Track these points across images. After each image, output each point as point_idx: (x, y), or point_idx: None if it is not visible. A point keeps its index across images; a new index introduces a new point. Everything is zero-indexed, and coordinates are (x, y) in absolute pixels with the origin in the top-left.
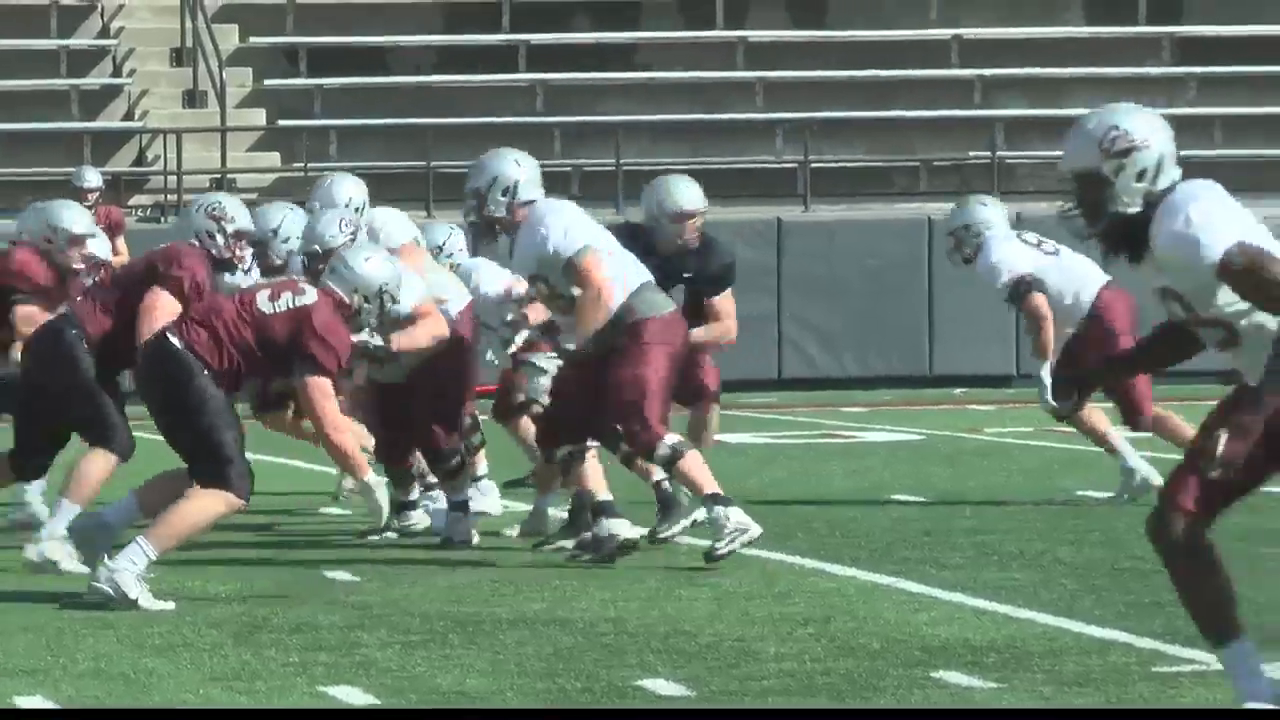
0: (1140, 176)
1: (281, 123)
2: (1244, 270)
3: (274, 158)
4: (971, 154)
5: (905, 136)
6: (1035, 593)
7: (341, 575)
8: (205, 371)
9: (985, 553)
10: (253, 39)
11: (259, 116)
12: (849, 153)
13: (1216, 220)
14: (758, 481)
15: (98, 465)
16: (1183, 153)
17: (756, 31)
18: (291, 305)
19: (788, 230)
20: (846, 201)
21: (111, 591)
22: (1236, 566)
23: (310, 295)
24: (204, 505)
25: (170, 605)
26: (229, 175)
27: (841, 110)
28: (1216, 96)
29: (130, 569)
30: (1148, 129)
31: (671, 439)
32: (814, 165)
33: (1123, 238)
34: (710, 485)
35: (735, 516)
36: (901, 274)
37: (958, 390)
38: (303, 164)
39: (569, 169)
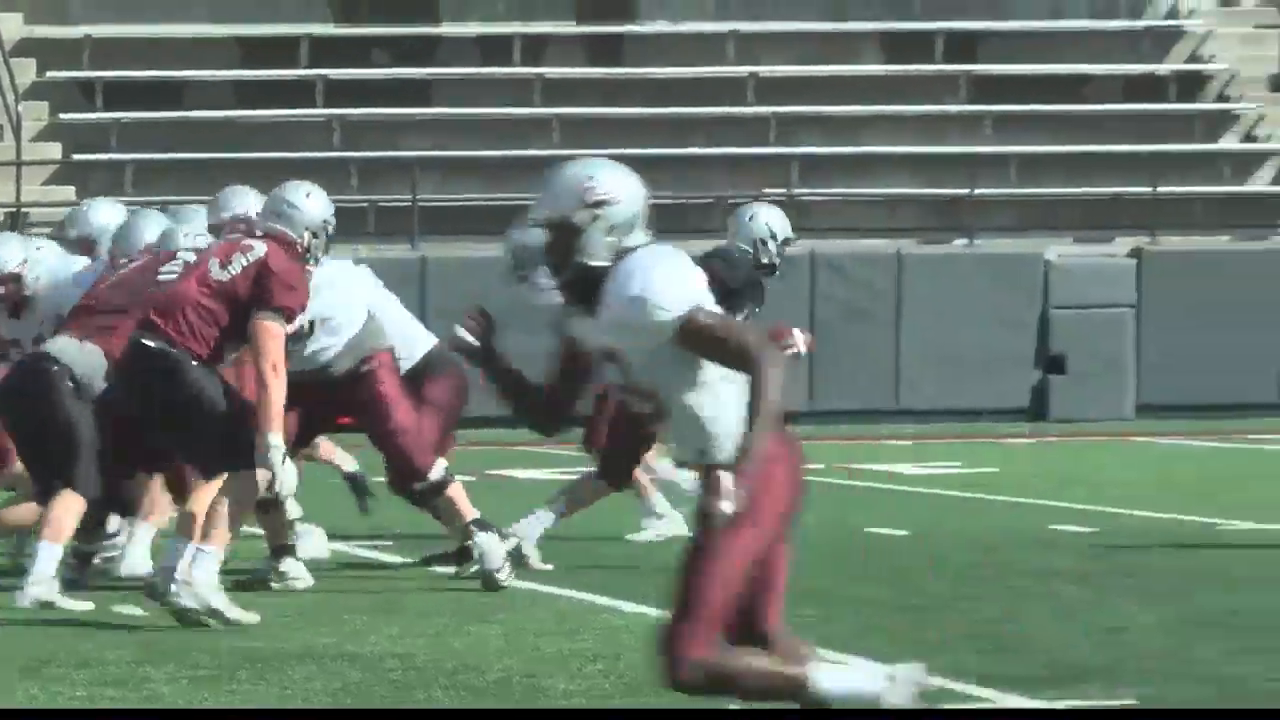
0: (611, 230)
1: (76, 157)
2: (704, 330)
3: (69, 192)
4: (767, 191)
5: (701, 174)
6: (822, 629)
7: (130, 609)
8: (194, 362)
9: None
10: (49, 73)
11: (54, 150)
12: (645, 190)
13: (676, 283)
14: None
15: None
16: (978, 191)
17: (554, 68)
18: (246, 262)
19: None
20: None
21: (198, 605)
22: (1031, 604)
23: (259, 247)
24: (247, 488)
25: (255, 618)
26: (24, 209)
27: (637, 148)
28: (1012, 135)
29: (208, 580)
30: (622, 185)
31: (439, 468)
32: None
33: (584, 290)
34: (471, 513)
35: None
36: None
37: None
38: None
39: (365, 204)
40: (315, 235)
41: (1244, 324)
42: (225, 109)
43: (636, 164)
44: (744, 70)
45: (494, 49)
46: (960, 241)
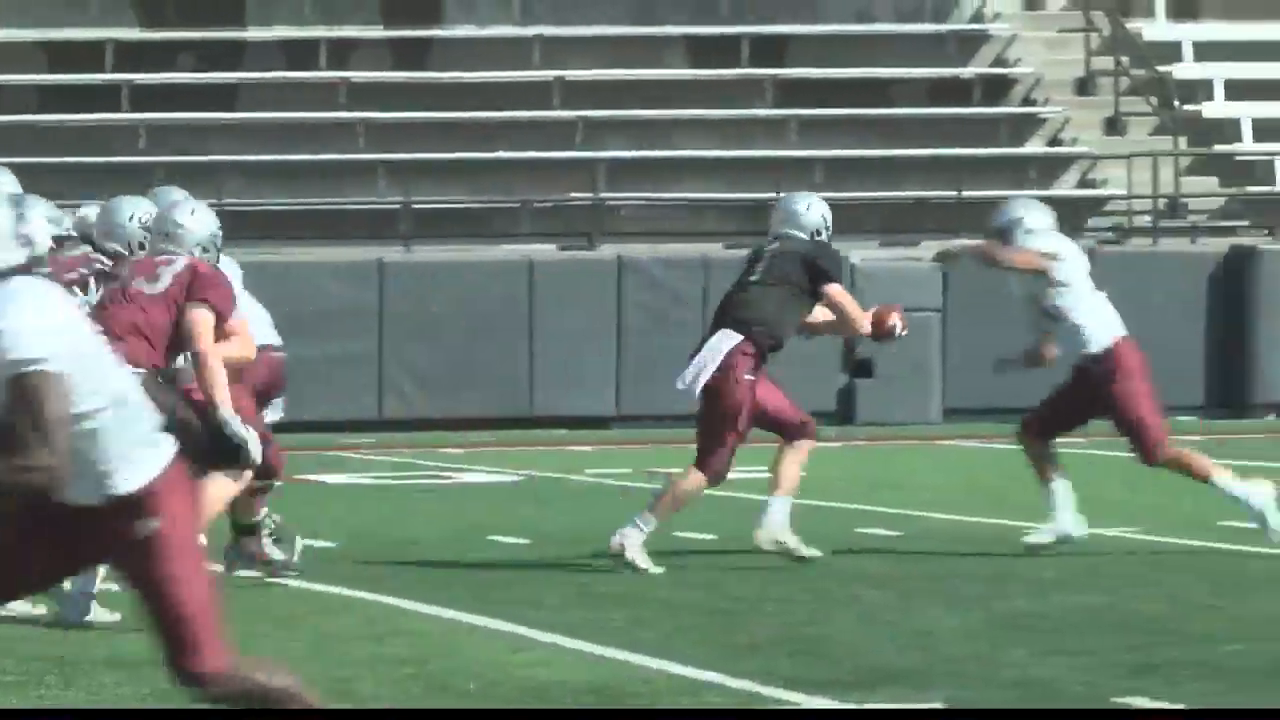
0: None
1: None
2: (29, 394)
3: None
4: (574, 195)
5: (507, 178)
6: (632, 633)
7: None
8: (157, 379)
9: (583, 593)
10: None
11: None
12: (451, 194)
13: (30, 331)
14: (358, 522)
15: None
16: (785, 194)
17: (359, 72)
18: (177, 272)
19: (389, 271)
20: (448, 243)
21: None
22: (839, 608)
23: (180, 260)
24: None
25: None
26: None
27: (444, 152)
28: (818, 138)
29: None
30: None
31: None
32: (416, 206)
33: None
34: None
35: None
36: (503, 315)
37: (559, 431)
38: None
39: None
40: (205, 250)
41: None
42: (31, 113)
43: (443, 168)
44: (549, 74)
45: (300, 53)
46: None
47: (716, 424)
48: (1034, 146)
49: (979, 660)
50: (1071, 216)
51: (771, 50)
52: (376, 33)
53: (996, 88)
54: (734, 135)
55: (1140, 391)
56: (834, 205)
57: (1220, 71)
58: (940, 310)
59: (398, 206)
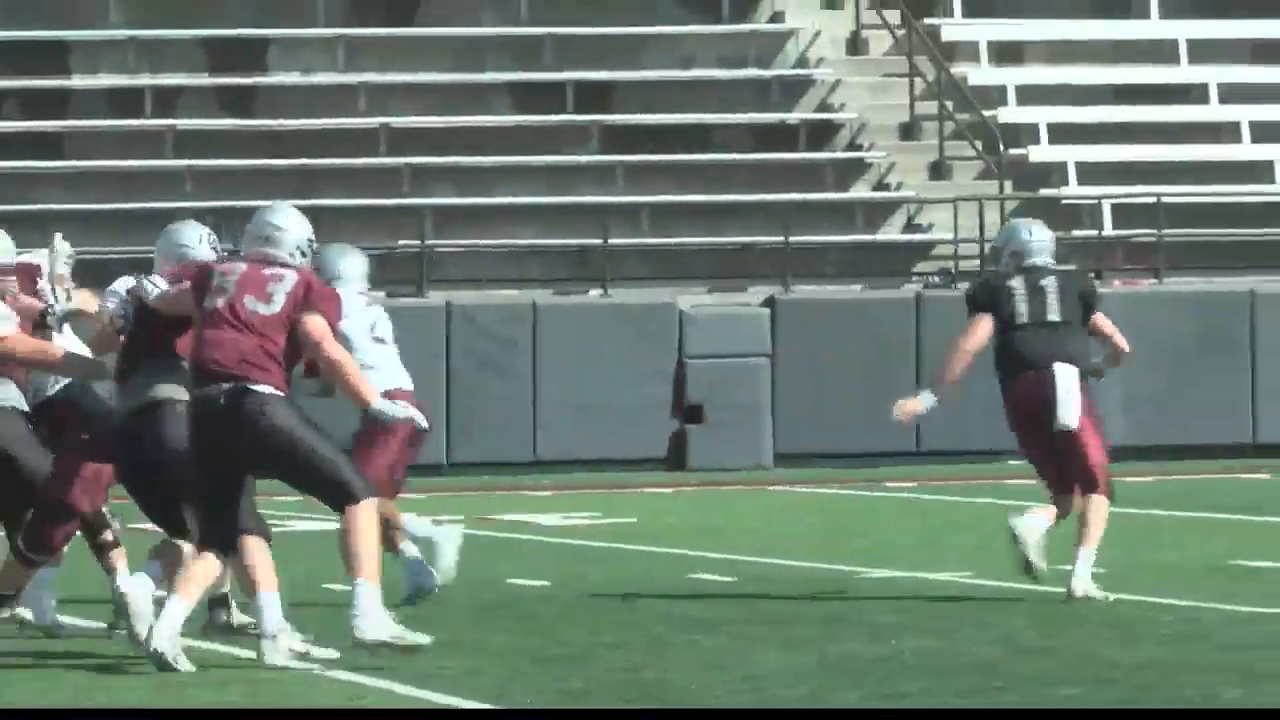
0: None
1: None
2: None
3: None
4: (401, 243)
5: (334, 225)
6: (467, 680)
7: None
8: (286, 399)
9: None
10: None
11: None
12: None
13: None
14: None
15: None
16: (613, 241)
17: (185, 120)
18: (289, 290)
19: None
20: None
21: (381, 641)
22: (673, 653)
23: (290, 275)
24: (372, 520)
25: (426, 639)
26: None
27: (270, 199)
28: (644, 184)
29: (377, 616)
30: None
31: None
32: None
33: None
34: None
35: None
36: None
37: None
38: None
39: None
40: (304, 254)
41: (878, 371)
42: None
43: None
44: (375, 121)
45: (125, 100)
46: (595, 292)
47: (1089, 439)
48: (859, 191)
49: (812, 703)
50: (898, 261)
51: (596, 97)
52: (202, 80)
53: (821, 133)
54: (560, 181)
55: (373, 448)
56: (660, 251)
57: (1044, 115)
58: (770, 355)
59: (225, 255)
